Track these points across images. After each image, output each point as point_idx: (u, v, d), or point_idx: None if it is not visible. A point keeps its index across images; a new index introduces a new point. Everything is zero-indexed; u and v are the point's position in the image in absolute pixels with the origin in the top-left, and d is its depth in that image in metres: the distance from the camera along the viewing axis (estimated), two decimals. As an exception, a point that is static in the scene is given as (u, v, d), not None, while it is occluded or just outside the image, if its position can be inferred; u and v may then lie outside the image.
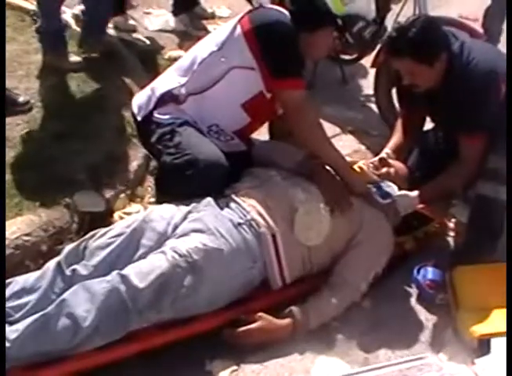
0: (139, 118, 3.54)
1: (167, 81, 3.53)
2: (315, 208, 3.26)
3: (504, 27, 5.43)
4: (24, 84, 4.39)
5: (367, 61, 4.93)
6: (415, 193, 3.56)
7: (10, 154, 3.82)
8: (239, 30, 3.37)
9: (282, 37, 3.32)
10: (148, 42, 5.22)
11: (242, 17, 3.42)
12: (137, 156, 3.96)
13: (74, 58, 4.57)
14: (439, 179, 3.61)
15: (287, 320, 3.08)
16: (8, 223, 3.38)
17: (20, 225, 3.40)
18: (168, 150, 3.33)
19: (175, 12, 5.80)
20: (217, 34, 3.52)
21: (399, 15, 4.73)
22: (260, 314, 3.03)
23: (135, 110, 3.58)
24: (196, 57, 3.49)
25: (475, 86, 3.34)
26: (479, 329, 3.09)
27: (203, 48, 3.51)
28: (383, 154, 3.70)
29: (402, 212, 3.53)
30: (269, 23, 3.34)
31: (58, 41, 4.53)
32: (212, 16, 6.07)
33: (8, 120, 4.02)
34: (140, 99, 3.59)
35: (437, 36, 3.39)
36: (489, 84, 3.37)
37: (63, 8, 4.77)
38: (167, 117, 3.41)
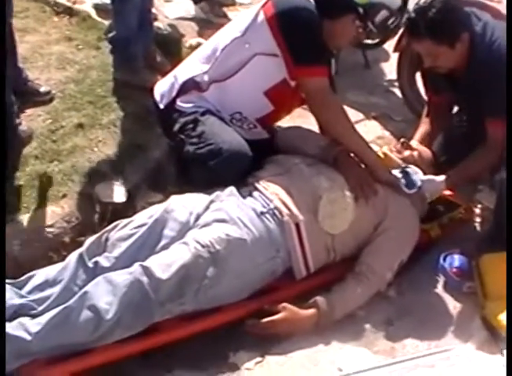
0: (162, 106, 3.53)
1: (190, 68, 3.50)
2: (339, 196, 3.22)
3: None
4: (45, 75, 4.39)
5: (390, 46, 4.88)
6: (441, 177, 3.51)
7: (32, 146, 3.82)
8: (262, 16, 3.33)
9: (305, 24, 3.28)
10: (169, 30, 5.18)
11: (265, 3, 3.38)
12: (159, 145, 3.92)
13: (146, 75, 4.48)
14: (465, 164, 3.56)
15: (312, 311, 3.04)
16: (31, 215, 3.40)
17: (43, 217, 3.41)
18: (191, 139, 3.32)
19: (195, 0, 5.76)
20: (239, 20, 3.48)
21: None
22: (284, 304, 3.00)
23: (158, 98, 3.56)
24: (218, 44, 3.46)
25: (499, 68, 3.27)
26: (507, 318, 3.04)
27: (225, 34, 3.48)
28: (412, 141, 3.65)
29: (428, 198, 3.48)
30: (292, 9, 3.30)
31: (130, 54, 4.47)
32: (233, 3, 6.03)
33: (29, 111, 4.02)
34: (162, 86, 3.57)
35: (457, 16, 3.33)
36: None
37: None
38: (189, 105, 3.40)
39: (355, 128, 3.49)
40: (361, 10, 3.33)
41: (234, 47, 3.40)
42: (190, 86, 3.45)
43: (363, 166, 3.40)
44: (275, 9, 3.32)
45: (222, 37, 3.48)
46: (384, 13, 3.38)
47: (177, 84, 3.47)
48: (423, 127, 3.78)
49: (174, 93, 3.47)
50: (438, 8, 3.26)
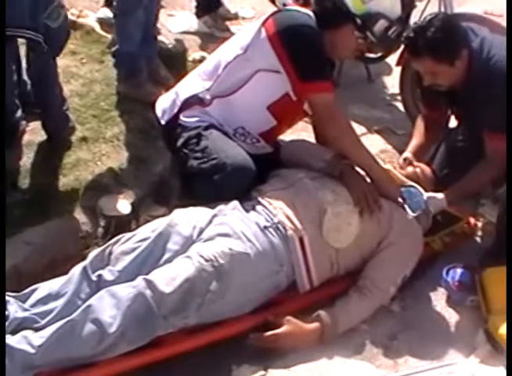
0: (163, 122, 3.54)
1: (192, 85, 3.52)
2: (343, 210, 3.22)
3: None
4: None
5: (392, 59, 4.90)
6: (441, 194, 3.51)
7: (36, 159, 3.82)
8: (263, 33, 3.34)
9: (307, 41, 3.30)
10: (172, 44, 5.20)
11: (266, 20, 3.40)
12: (162, 159, 3.93)
13: (150, 88, 4.50)
14: (466, 179, 3.56)
15: (315, 325, 3.04)
16: (34, 229, 3.40)
17: (46, 231, 3.42)
18: (195, 154, 3.32)
19: (198, 14, 5.78)
20: (241, 36, 3.49)
21: (424, 12, 4.69)
22: (288, 318, 3.00)
23: (159, 114, 3.57)
24: (220, 61, 3.47)
25: (496, 84, 3.29)
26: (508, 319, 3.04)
27: (227, 51, 3.49)
28: (406, 154, 3.66)
29: (430, 214, 3.48)
30: (294, 27, 3.32)
31: (134, 68, 4.50)
32: (236, 17, 6.05)
33: (33, 124, 4.02)
34: (164, 102, 3.58)
35: (456, 34, 3.35)
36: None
37: (86, 11, 4.76)
38: (192, 120, 3.41)
39: (362, 143, 3.50)
40: (358, 21, 3.33)
41: (236, 64, 3.41)
42: (193, 102, 3.46)
43: (369, 181, 3.41)
44: (276, 27, 3.33)
45: (224, 54, 3.49)
46: (382, 23, 3.35)
47: (178, 101, 3.48)
48: (416, 140, 3.78)
49: (175, 109, 3.48)
50: (437, 26, 3.28)
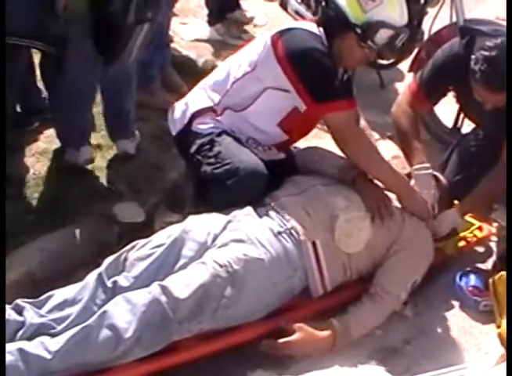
0: (174, 133, 3.56)
1: (201, 97, 3.53)
2: (355, 216, 3.24)
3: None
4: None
5: (405, 66, 4.91)
6: (453, 211, 3.54)
7: (50, 167, 3.85)
8: (272, 54, 3.32)
9: (317, 64, 3.26)
10: (185, 52, 5.24)
11: (275, 39, 3.36)
12: (176, 165, 3.96)
13: (163, 96, 4.54)
14: (479, 188, 3.56)
15: (328, 332, 3.05)
16: (49, 236, 3.42)
17: (61, 237, 3.45)
18: (208, 160, 3.33)
19: (211, 22, 5.82)
20: (250, 51, 3.47)
21: (436, 18, 4.70)
22: (300, 325, 3.01)
23: (171, 125, 3.59)
24: (229, 75, 3.48)
25: None
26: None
27: (236, 65, 3.48)
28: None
29: (446, 231, 3.51)
30: (303, 51, 3.28)
31: (148, 76, 4.52)
32: (251, 21, 6.07)
33: (47, 132, 4.06)
34: (175, 113, 3.59)
35: None
36: None
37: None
38: (205, 127, 3.41)
39: (385, 160, 3.47)
40: (359, 30, 3.27)
41: (245, 81, 3.41)
42: (204, 111, 3.47)
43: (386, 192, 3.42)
44: (285, 50, 3.30)
45: (233, 68, 3.48)
46: (384, 32, 3.28)
47: (188, 113, 3.49)
48: (418, 142, 3.69)
49: (186, 121, 3.48)
50: (506, 57, 3.18)
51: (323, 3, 3.43)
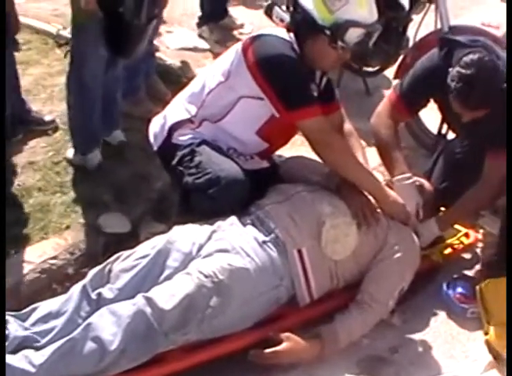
0: (155, 148, 3.55)
1: (178, 110, 3.51)
2: (341, 222, 3.23)
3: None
4: (48, 107, 4.44)
5: (390, 72, 4.92)
6: (433, 222, 3.53)
7: (36, 178, 3.85)
8: (243, 62, 3.30)
9: (286, 71, 3.24)
10: (170, 61, 5.23)
11: (245, 46, 3.34)
12: (161, 175, 3.93)
13: (149, 105, 4.55)
14: (460, 204, 3.55)
15: (315, 341, 3.04)
16: (34, 247, 3.42)
17: (46, 249, 3.43)
18: (189, 170, 3.32)
19: (199, 24, 5.85)
20: (224, 60, 3.46)
21: (421, 25, 4.71)
22: (287, 334, 3.00)
23: (152, 139, 3.57)
24: (204, 85, 3.46)
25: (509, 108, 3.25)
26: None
27: (210, 75, 3.47)
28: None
29: (423, 243, 3.48)
30: (273, 57, 3.25)
31: (133, 86, 4.53)
32: (242, 27, 6.09)
33: (32, 143, 4.07)
34: (154, 127, 3.58)
35: (500, 76, 3.22)
36: None
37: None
38: (185, 138, 3.40)
39: (361, 163, 3.45)
40: (328, 32, 3.24)
41: (219, 91, 3.39)
42: (182, 123, 3.45)
43: (374, 201, 3.40)
44: (255, 57, 3.27)
45: (208, 79, 3.47)
46: (354, 31, 3.25)
47: (167, 126, 3.47)
48: (399, 153, 3.65)
49: (165, 134, 3.47)
50: (485, 77, 3.17)
51: (291, 8, 3.41)
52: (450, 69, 3.25)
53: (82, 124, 3.95)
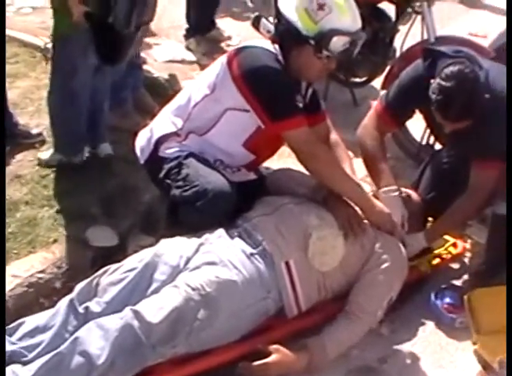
0: (142, 161, 3.55)
1: (164, 123, 3.51)
2: (328, 234, 3.23)
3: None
4: (35, 120, 4.44)
5: (378, 83, 4.93)
6: (421, 234, 3.54)
7: (23, 191, 3.84)
8: (228, 74, 3.31)
9: (271, 82, 3.25)
10: (158, 73, 5.23)
11: (229, 58, 3.36)
12: (149, 188, 3.92)
13: (136, 118, 4.56)
14: (447, 215, 3.55)
15: (304, 352, 3.04)
16: (21, 261, 3.40)
17: (34, 263, 3.42)
18: (177, 183, 3.32)
19: (186, 36, 5.86)
20: (209, 73, 3.47)
21: (407, 35, 4.73)
22: (276, 347, 2.99)
23: (138, 153, 3.57)
24: (190, 98, 3.47)
25: (494, 119, 3.26)
26: (499, 352, 3.04)
27: (196, 88, 3.48)
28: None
29: (409, 254, 3.47)
30: (257, 68, 3.26)
31: (120, 98, 4.54)
32: (229, 39, 6.11)
33: (19, 156, 4.06)
34: (141, 140, 3.58)
35: (482, 88, 3.23)
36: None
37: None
38: (172, 151, 3.40)
39: (346, 174, 3.46)
40: (312, 42, 3.25)
41: (205, 104, 3.40)
42: (168, 136, 3.46)
43: (360, 211, 3.41)
44: (240, 69, 3.28)
45: (193, 91, 3.48)
46: (338, 40, 3.25)
47: (153, 139, 3.48)
48: (385, 165, 3.66)
49: (152, 147, 3.47)
50: (465, 90, 3.17)
51: (275, 20, 3.42)
52: (432, 80, 3.27)
53: (69, 130, 4.00)
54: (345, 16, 3.26)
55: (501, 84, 3.31)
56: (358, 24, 3.33)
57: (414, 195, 3.66)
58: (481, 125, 3.26)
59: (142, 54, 5.00)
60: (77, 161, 4.06)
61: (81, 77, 3.83)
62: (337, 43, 3.25)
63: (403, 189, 3.61)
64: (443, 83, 3.20)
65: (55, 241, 3.56)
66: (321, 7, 3.22)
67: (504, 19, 6.53)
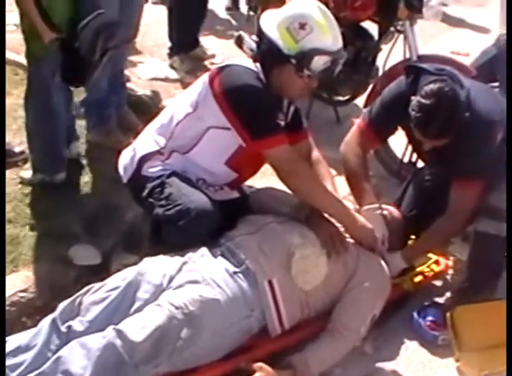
0: (125, 180, 3.55)
1: (147, 141, 3.52)
2: (311, 252, 3.24)
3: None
4: (18, 139, 4.42)
5: (361, 101, 4.96)
6: (398, 255, 3.53)
7: (6, 209, 3.81)
8: (210, 92, 3.33)
9: (251, 100, 3.27)
10: (141, 91, 5.24)
11: (211, 77, 3.37)
12: (132, 206, 3.92)
13: (119, 136, 4.56)
14: (427, 235, 3.58)
15: (287, 371, 3.03)
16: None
17: (16, 282, 3.40)
18: (160, 202, 3.32)
19: (170, 55, 5.87)
20: (191, 91, 3.48)
21: (390, 54, 4.76)
22: (260, 365, 2.98)
23: (121, 172, 3.57)
24: (172, 117, 3.47)
25: (474, 138, 3.30)
26: (482, 368, 3.06)
27: (178, 107, 3.49)
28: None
29: (394, 272, 3.50)
30: (239, 87, 3.28)
31: (104, 116, 4.56)
32: (213, 57, 6.12)
33: (2, 174, 4.04)
34: (124, 159, 3.58)
35: (461, 107, 3.26)
36: (489, 135, 3.34)
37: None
38: (155, 169, 3.40)
39: (328, 190, 3.47)
40: (293, 61, 3.26)
41: (187, 122, 3.41)
42: (151, 155, 3.46)
43: (342, 227, 3.42)
44: (221, 87, 3.29)
45: (176, 110, 3.48)
46: (319, 59, 3.27)
47: (136, 158, 3.47)
48: (368, 183, 3.69)
49: (135, 166, 3.47)
50: (445, 107, 3.21)
51: (257, 39, 3.44)
52: (413, 97, 3.29)
53: (49, 149, 4.03)
54: (326, 36, 3.28)
55: (482, 103, 3.35)
56: (340, 43, 3.35)
57: (396, 212, 3.67)
58: (460, 144, 3.29)
59: (126, 72, 5.00)
60: (59, 180, 4.07)
61: (56, 96, 3.88)
62: (318, 62, 3.26)
63: (385, 207, 3.62)
64: (423, 100, 3.23)
65: (37, 260, 3.55)
66: (302, 26, 3.24)
67: (486, 37, 6.67)
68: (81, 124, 4.56)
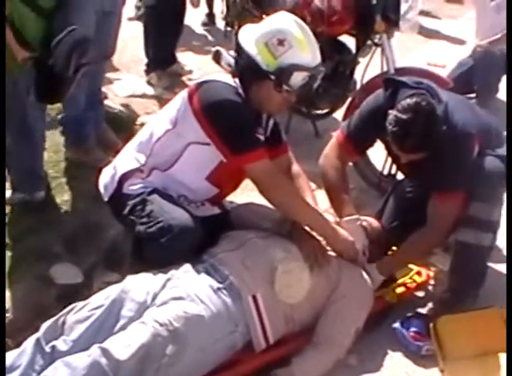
0: (106, 198, 3.53)
1: (127, 159, 3.51)
2: (294, 266, 3.24)
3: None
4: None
5: (340, 115, 4.97)
6: (374, 268, 3.52)
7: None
8: (189, 108, 3.33)
9: (230, 115, 3.27)
10: (119, 108, 5.24)
11: (190, 93, 3.38)
12: (113, 223, 3.91)
13: (98, 154, 4.54)
14: (405, 247, 3.59)
15: (273, 385, 3.03)
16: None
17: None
18: (141, 219, 3.31)
19: (147, 71, 5.87)
20: (171, 108, 3.48)
21: (367, 67, 4.79)
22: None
23: (102, 190, 3.56)
24: (152, 134, 3.47)
25: (452, 151, 3.33)
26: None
27: (158, 124, 3.49)
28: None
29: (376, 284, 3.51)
30: (217, 103, 3.28)
31: (82, 134, 4.54)
32: (190, 73, 6.13)
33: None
34: (105, 177, 3.57)
35: (438, 121, 3.29)
36: (466, 148, 3.37)
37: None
38: (136, 187, 3.39)
39: (308, 204, 3.48)
40: (272, 76, 3.27)
41: (167, 139, 3.41)
42: (131, 173, 3.45)
43: (323, 240, 3.44)
44: (200, 103, 3.30)
45: (155, 127, 3.48)
46: (298, 75, 3.28)
47: (117, 176, 3.47)
48: (347, 195, 3.71)
49: (115, 184, 3.46)
50: (424, 122, 3.23)
51: (235, 54, 3.46)
52: (390, 111, 3.31)
53: (27, 167, 4.02)
54: (305, 52, 3.30)
55: (459, 115, 3.38)
56: (318, 59, 3.36)
57: (375, 224, 3.69)
58: (438, 157, 3.32)
59: (104, 89, 4.99)
60: (39, 198, 4.06)
61: (33, 113, 3.88)
62: (297, 78, 3.28)
63: (364, 218, 3.64)
64: (399, 115, 3.25)
65: (18, 280, 3.52)
66: (281, 42, 3.25)
67: (462, 48, 6.73)
68: (59, 142, 4.53)
